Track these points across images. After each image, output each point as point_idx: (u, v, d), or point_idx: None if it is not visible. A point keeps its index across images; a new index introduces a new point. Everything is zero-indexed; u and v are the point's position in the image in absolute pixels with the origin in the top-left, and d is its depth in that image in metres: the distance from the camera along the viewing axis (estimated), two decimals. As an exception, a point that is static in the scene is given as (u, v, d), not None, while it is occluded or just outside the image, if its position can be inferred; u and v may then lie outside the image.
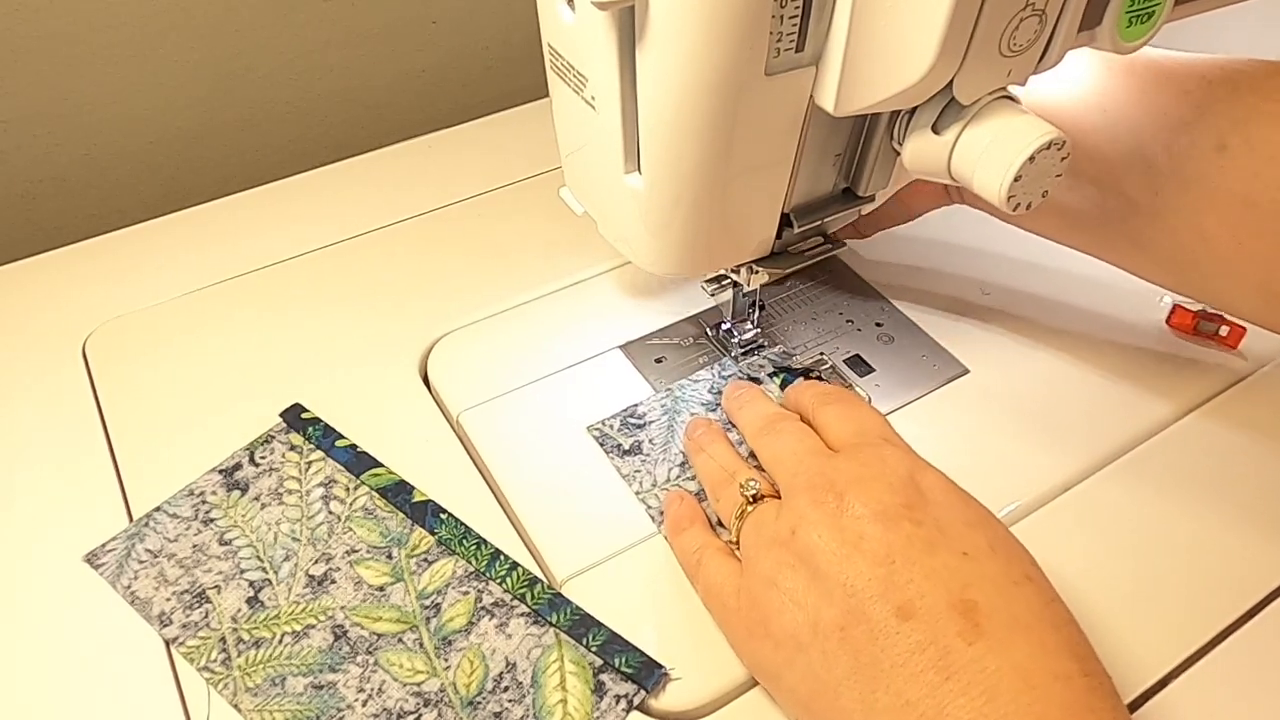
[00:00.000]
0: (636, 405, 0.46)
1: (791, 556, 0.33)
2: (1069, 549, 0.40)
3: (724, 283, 0.47)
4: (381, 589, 0.40)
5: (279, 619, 0.39)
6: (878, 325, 0.51)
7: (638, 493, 0.43)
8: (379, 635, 0.38)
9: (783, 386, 0.47)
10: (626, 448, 0.45)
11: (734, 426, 0.44)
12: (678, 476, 0.43)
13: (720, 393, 0.47)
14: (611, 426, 0.46)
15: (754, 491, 0.37)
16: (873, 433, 0.38)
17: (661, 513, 0.42)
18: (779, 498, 0.37)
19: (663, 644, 0.37)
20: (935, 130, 0.34)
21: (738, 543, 0.37)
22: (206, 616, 0.39)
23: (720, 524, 0.40)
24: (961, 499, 0.34)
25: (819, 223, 0.41)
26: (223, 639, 0.38)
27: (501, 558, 0.40)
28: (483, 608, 0.39)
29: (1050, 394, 0.46)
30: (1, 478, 0.45)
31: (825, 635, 0.31)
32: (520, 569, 0.40)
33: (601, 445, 0.45)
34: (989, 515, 0.34)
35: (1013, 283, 0.53)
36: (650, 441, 0.45)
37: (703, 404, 0.46)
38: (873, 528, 0.32)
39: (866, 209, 0.42)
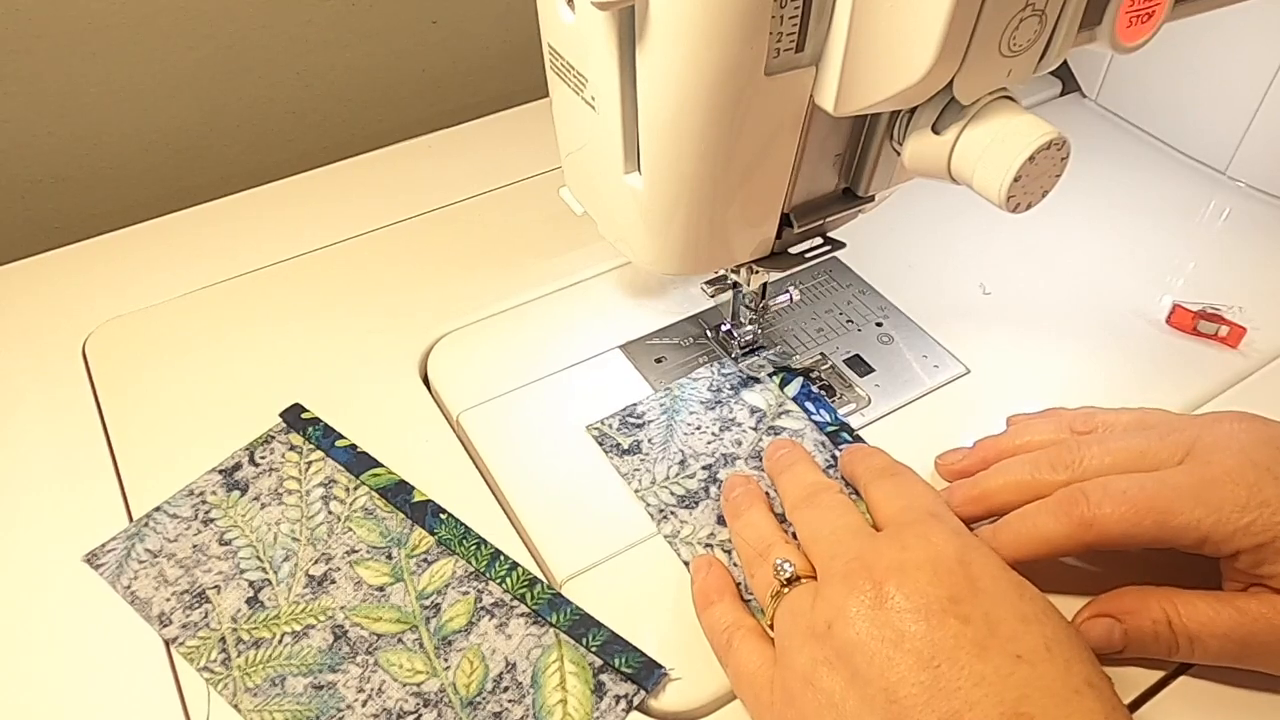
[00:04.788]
0: (636, 405, 0.46)
1: (829, 652, 0.31)
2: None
3: (724, 283, 0.47)
4: (381, 589, 0.40)
5: (279, 619, 0.39)
6: (878, 325, 0.51)
7: (637, 491, 0.43)
8: (379, 635, 0.38)
9: (782, 386, 0.47)
10: (626, 447, 0.45)
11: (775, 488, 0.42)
12: (676, 474, 0.43)
13: (719, 390, 0.47)
14: (611, 426, 0.46)
15: (788, 575, 0.35)
16: (920, 508, 0.35)
17: (660, 511, 0.42)
18: (817, 577, 0.35)
19: (663, 644, 0.37)
20: (935, 130, 0.34)
21: (772, 624, 0.35)
22: (206, 616, 0.39)
23: (751, 595, 0.38)
24: (1015, 587, 0.32)
25: (819, 223, 0.41)
26: (222, 639, 0.38)
27: (501, 558, 0.40)
28: (483, 608, 0.39)
29: (1050, 394, 0.46)
30: (2, 477, 0.45)
31: None
32: (520, 569, 0.40)
33: (601, 445, 0.45)
34: (1045, 606, 0.32)
35: (1013, 283, 0.53)
36: (649, 441, 0.45)
37: (702, 402, 0.46)
38: (915, 624, 0.30)
39: (867, 209, 0.42)
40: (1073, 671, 0.29)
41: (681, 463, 0.44)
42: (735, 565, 0.40)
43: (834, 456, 0.44)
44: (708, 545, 0.41)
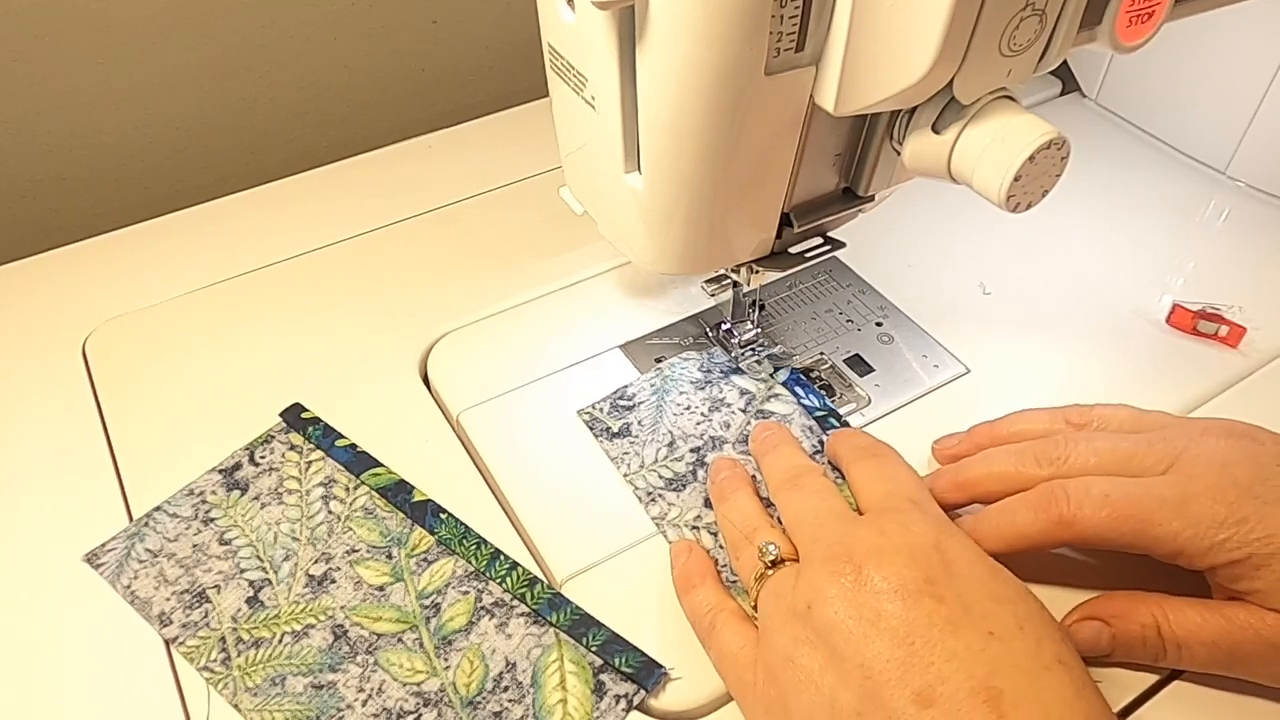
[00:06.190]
0: (626, 386, 0.47)
1: (809, 632, 0.32)
2: (1066, 549, 0.40)
3: (724, 283, 0.47)
4: (381, 589, 0.40)
5: (279, 619, 0.39)
6: (878, 325, 0.51)
7: (625, 475, 0.43)
8: (379, 635, 0.38)
9: (772, 374, 0.47)
10: (616, 430, 0.45)
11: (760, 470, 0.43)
12: (665, 457, 0.43)
13: (709, 370, 0.47)
14: (601, 410, 0.46)
15: (772, 557, 0.36)
16: (901, 495, 0.36)
17: (649, 494, 0.42)
18: (799, 559, 0.35)
19: (663, 644, 0.37)
20: (935, 130, 0.34)
21: (755, 606, 0.36)
22: (206, 616, 0.39)
23: (736, 576, 0.39)
24: (989, 571, 0.32)
25: (819, 222, 0.41)
26: (222, 639, 0.38)
27: (501, 557, 0.40)
28: (483, 607, 0.39)
29: (1050, 394, 0.46)
30: (2, 477, 0.45)
31: None
32: (520, 569, 0.40)
33: (591, 429, 0.45)
34: (1019, 589, 0.32)
35: (1013, 283, 0.53)
36: (639, 423, 0.45)
37: (692, 382, 0.47)
38: (892, 604, 0.31)
39: (867, 209, 0.42)
40: (1043, 649, 0.30)
41: (670, 445, 0.44)
42: (721, 547, 0.40)
43: (821, 442, 0.44)
44: (694, 528, 0.41)
